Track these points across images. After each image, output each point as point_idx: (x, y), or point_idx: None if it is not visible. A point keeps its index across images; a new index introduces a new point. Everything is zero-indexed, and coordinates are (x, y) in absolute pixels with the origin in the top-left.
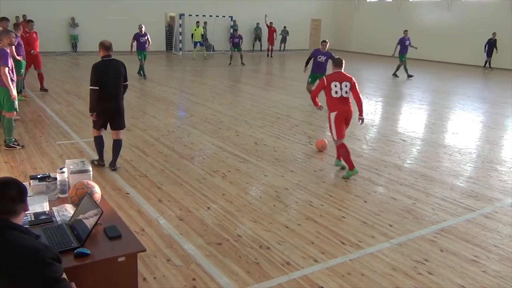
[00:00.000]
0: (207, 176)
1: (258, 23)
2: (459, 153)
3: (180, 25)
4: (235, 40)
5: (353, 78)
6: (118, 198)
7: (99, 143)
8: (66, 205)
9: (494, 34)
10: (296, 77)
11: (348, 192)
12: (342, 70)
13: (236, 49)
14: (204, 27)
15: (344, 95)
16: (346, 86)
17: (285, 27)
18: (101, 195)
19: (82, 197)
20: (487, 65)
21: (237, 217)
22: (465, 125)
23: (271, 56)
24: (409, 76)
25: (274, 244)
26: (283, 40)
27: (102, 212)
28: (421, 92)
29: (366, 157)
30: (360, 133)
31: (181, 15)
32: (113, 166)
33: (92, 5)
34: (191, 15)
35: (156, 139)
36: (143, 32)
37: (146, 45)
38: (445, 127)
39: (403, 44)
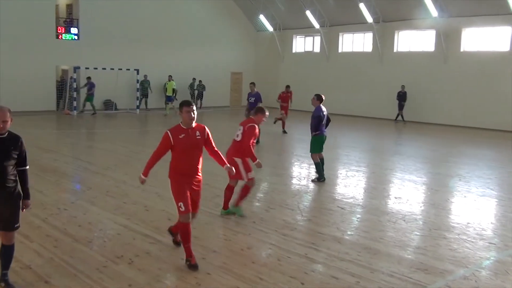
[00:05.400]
0: (109, 264)
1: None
2: (404, 220)
3: (75, 80)
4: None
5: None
6: None
7: None
8: None
9: (403, 87)
10: (219, 138)
11: (282, 273)
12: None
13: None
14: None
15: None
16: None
17: (200, 81)
18: None
19: None
20: (400, 117)
21: None
22: (408, 188)
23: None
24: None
25: None
26: (199, 96)
27: None
28: (358, 152)
29: (300, 229)
30: (293, 202)
31: (75, 68)
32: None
33: None
34: (88, 68)
35: (43, 220)
36: None
37: None
38: (387, 191)
39: (248, 101)
